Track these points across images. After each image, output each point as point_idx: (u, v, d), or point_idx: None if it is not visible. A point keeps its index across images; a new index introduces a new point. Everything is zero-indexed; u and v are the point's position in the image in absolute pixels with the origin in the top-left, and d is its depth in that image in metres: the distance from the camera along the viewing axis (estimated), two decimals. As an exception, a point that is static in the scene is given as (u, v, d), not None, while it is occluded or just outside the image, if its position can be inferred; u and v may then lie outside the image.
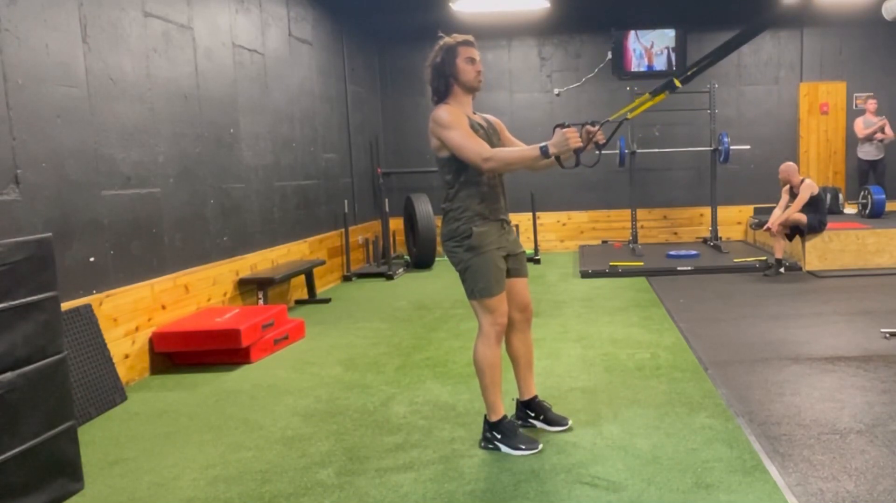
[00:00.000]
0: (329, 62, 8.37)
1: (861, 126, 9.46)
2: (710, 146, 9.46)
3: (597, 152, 3.16)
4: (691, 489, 2.74)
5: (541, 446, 3.17)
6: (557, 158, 3.01)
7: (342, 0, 8.46)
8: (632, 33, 10.05)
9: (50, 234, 3.05)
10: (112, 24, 4.41)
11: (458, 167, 3.10)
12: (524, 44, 10.45)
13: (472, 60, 3.15)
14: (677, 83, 3.17)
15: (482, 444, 3.24)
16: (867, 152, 9.47)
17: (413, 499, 2.77)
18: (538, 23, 9.94)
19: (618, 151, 9.30)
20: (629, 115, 3.16)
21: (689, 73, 3.25)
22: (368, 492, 2.83)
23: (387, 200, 9.28)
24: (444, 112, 3.07)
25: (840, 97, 10.32)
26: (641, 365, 4.41)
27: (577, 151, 2.99)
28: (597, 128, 3.09)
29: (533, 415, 3.41)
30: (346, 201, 8.61)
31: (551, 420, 3.39)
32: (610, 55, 10.15)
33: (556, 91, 10.29)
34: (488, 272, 3.09)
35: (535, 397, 3.44)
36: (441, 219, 3.24)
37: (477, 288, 3.10)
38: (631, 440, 3.23)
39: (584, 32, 10.35)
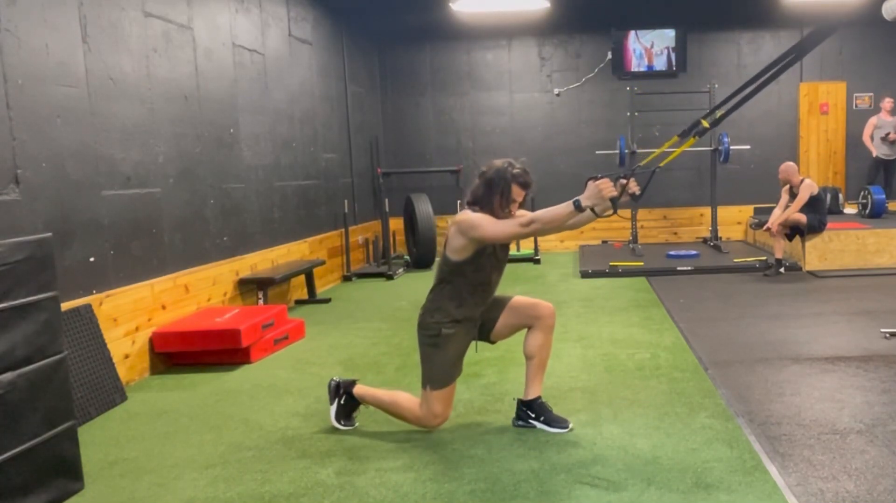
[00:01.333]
0: (329, 62, 8.37)
1: (871, 126, 9.44)
2: (710, 146, 9.46)
3: (633, 201, 3.20)
4: (691, 489, 2.74)
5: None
6: (593, 209, 3.01)
7: (342, 0, 8.46)
8: (632, 33, 10.06)
9: (50, 234, 3.05)
10: (112, 24, 4.41)
11: (456, 271, 3.21)
12: (524, 44, 10.45)
13: (514, 200, 3.19)
14: (705, 124, 3.17)
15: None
16: (882, 152, 9.45)
17: (413, 499, 2.77)
18: (538, 23, 9.94)
19: (618, 151, 9.31)
20: (661, 164, 3.16)
21: (718, 116, 3.24)
22: (368, 492, 2.83)
23: (387, 200, 9.28)
24: (473, 215, 3.13)
25: (840, 97, 10.32)
26: (641, 365, 4.41)
27: (613, 200, 3.00)
28: (628, 180, 3.11)
29: (534, 415, 3.41)
30: (346, 201, 8.61)
31: (552, 421, 3.39)
32: (610, 55, 10.16)
33: (556, 91, 10.30)
34: (445, 368, 3.26)
35: (539, 398, 3.44)
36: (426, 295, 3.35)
37: (430, 378, 3.26)
38: (631, 440, 3.23)
39: (584, 32, 10.35)
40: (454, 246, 3.18)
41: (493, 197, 3.15)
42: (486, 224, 3.09)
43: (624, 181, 3.08)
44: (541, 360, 3.40)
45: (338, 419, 3.51)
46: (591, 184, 2.98)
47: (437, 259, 3.32)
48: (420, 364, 3.34)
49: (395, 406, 3.39)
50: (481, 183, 3.20)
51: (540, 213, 3.08)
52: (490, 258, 3.24)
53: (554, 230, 3.20)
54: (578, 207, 2.97)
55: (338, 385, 3.53)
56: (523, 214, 3.26)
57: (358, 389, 3.50)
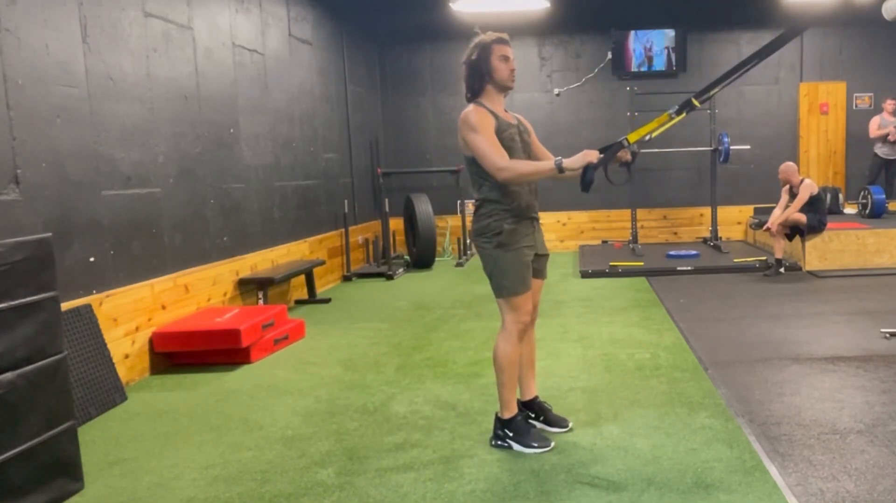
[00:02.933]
0: (329, 62, 8.37)
1: (875, 126, 9.45)
2: (710, 146, 9.46)
3: (624, 168, 3.21)
4: (691, 489, 2.74)
5: (553, 444, 3.18)
6: (584, 182, 3.03)
7: (342, 0, 8.46)
8: (632, 33, 10.06)
9: (50, 234, 3.05)
10: (112, 24, 4.41)
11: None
12: (524, 44, 10.44)
13: (505, 58, 3.16)
14: (696, 103, 3.18)
15: (493, 443, 3.24)
16: (886, 151, 9.46)
17: (413, 499, 2.77)
18: (538, 23, 9.94)
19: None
20: (652, 135, 3.18)
21: (709, 94, 3.26)
22: (368, 492, 2.83)
23: (387, 200, 9.28)
24: (472, 114, 3.09)
25: (840, 97, 10.32)
26: (641, 365, 4.41)
27: (595, 167, 3.03)
28: (619, 149, 3.13)
29: (533, 415, 3.41)
30: (346, 201, 8.61)
31: (552, 421, 3.39)
32: (610, 55, 10.16)
33: (556, 91, 10.30)
34: (516, 270, 3.11)
35: (536, 397, 3.43)
36: (473, 214, 3.24)
37: (504, 286, 3.12)
38: (631, 440, 3.23)
39: (584, 32, 10.35)
40: (462, 143, 3.12)
41: (481, 76, 3.13)
42: (478, 134, 3.02)
43: (612, 150, 3.13)
44: (530, 360, 3.40)
45: (529, 445, 3.16)
46: (582, 152, 3.01)
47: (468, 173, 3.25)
48: (490, 280, 3.16)
49: (498, 366, 3.15)
50: (466, 69, 3.18)
51: (516, 162, 3.04)
52: (511, 141, 3.13)
53: (526, 181, 3.11)
54: (560, 168, 3.00)
55: (501, 424, 3.22)
56: (536, 144, 3.27)
57: (508, 412, 3.22)
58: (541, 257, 3.29)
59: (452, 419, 3.61)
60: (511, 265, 3.10)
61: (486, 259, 3.15)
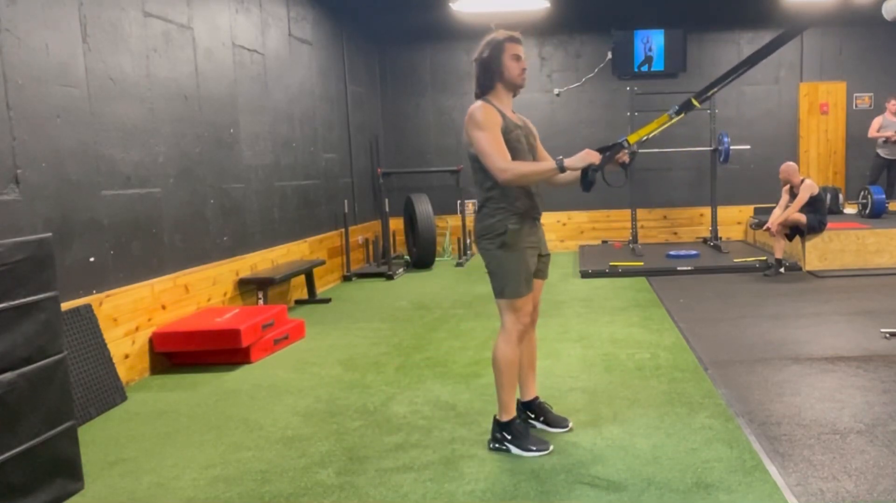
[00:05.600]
0: (329, 62, 8.37)
1: (877, 126, 9.44)
2: (710, 146, 9.46)
3: (623, 169, 3.20)
4: (691, 489, 2.74)
5: (551, 447, 3.16)
6: (585, 182, 3.02)
7: (342, 0, 8.46)
8: (632, 33, 10.06)
9: (50, 234, 3.05)
10: (112, 24, 4.41)
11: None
12: (524, 44, 10.39)
13: (517, 57, 3.15)
14: (695, 103, 3.19)
15: (491, 446, 3.21)
16: (887, 152, 9.45)
17: (413, 499, 2.77)
18: (538, 23, 9.94)
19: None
20: (651, 135, 3.18)
21: (708, 94, 3.26)
22: (368, 492, 2.83)
23: (387, 200, 9.28)
24: (480, 110, 3.07)
25: (840, 97, 10.32)
26: (641, 365, 4.41)
27: (597, 169, 3.02)
28: (617, 150, 3.12)
29: (533, 416, 3.41)
30: (346, 201, 8.61)
31: (552, 421, 3.39)
32: (610, 55, 10.16)
33: (556, 91, 10.30)
34: (519, 272, 3.09)
35: (536, 398, 3.43)
36: (475, 213, 3.22)
37: (506, 287, 3.09)
38: (631, 440, 3.23)
39: (584, 32, 10.35)
40: (467, 140, 3.10)
41: (492, 73, 3.11)
42: (482, 133, 3.00)
43: (612, 151, 3.12)
44: (530, 360, 3.39)
45: (528, 449, 3.14)
46: (584, 152, 3.00)
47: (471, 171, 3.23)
48: (491, 281, 3.14)
49: (497, 369, 3.13)
50: (477, 66, 3.17)
51: (517, 163, 3.01)
52: (518, 143, 3.11)
53: (528, 183, 3.09)
54: (561, 168, 2.99)
55: (499, 427, 3.20)
56: (539, 148, 3.26)
57: (506, 416, 3.20)
58: (543, 257, 3.28)
59: (452, 419, 3.60)
60: (514, 266, 3.08)
61: (489, 259, 3.13)
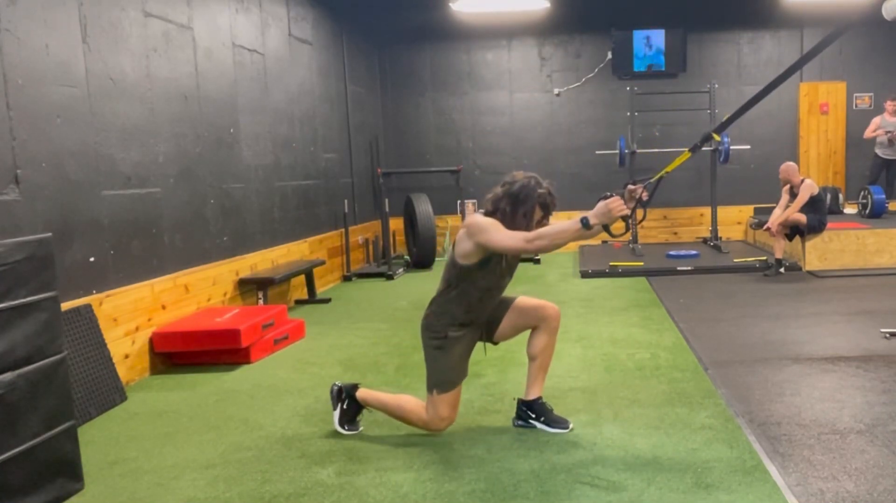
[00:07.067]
0: (329, 62, 8.37)
1: (875, 126, 9.44)
2: (710, 146, 9.45)
3: (642, 206, 3.18)
4: (691, 489, 2.74)
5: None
6: (606, 228, 2.98)
7: (342, 0, 8.46)
8: (632, 33, 10.05)
9: (50, 234, 3.05)
10: (112, 24, 4.41)
11: (465, 276, 3.15)
12: (524, 44, 10.44)
13: (538, 215, 3.15)
14: (716, 138, 3.24)
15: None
16: (886, 152, 9.45)
17: (413, 499, 2.77)
18: (538, 23, 9.95)
19: (618, 152, 9.31)
20: (668, 170, 3.21)
21: (726, 123, 3.32)
22: (368, 492, 2.83)
23: (387, 200, 9.28)
24: (481, 219, 3.06)
25: (840, 97, 10.32)
26: (641, 365, 4.41)
27: (625, 218, 2.98)
28: (637, 186, 3.13)
29: (534, 416, 3.41)
30: (346, 201, 8.61)
31: (552, 422, 3.39)
32: (610, 55, 10.16)
33: (556, 91, 10.30)
34: (451, 370, 3.23)
35: (539, 398, 3.43)
36: (430, 300, 3.32)
37: (436, 381, 3.24)
38: (631, 440, 3.23)
39: (584, 32, 10.35)
40: (462, 250, 3.11)
41: (516, 213, 3.07)
42: (493, 231, 3.00)
43: (633, 187, 3.09)
44: (543, 362, 3.40)
45: (341, 424, 3.45)
46: (601, 202, 2.92)
47: (445, 259, 3.26)
48: (425, 367, 3.30)
49: (401, 410, 3.36)
50: (504, 194, 3.10)
51: (546, 229, 2.99)
52: (498, 265, 3.17)
53: (558, 247, 3.06)
54: (586, 225, 2.91)
55: (340, 389, 3.48)
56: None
57: (361, 393, 3.46)
58: (494, 310, 3.34)
59: (452, 419, 3.60)
60: (446, 365, 3.23)
61: (426, 352, 3.29)
